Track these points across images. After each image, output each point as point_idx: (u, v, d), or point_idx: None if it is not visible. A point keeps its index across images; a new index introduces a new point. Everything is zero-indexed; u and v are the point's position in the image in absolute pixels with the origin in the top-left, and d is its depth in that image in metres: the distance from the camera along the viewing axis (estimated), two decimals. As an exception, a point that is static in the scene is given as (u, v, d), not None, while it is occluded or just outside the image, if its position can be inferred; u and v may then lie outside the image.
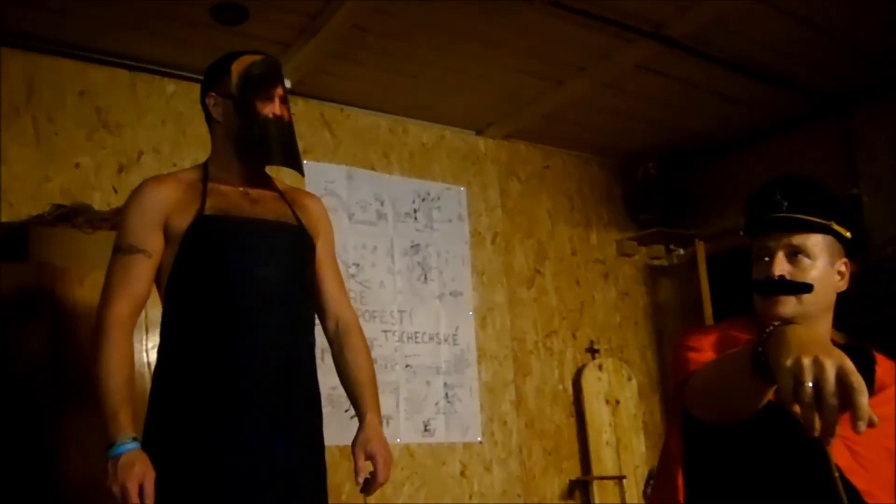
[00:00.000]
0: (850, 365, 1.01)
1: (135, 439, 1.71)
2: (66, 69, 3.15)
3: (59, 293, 2.44)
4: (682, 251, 4.59)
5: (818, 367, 1.01)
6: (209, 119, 2.00)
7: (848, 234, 1.52)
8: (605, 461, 4.10)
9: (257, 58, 1.96)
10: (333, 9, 2.95)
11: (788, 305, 1.50)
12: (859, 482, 1.33)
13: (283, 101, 1.96)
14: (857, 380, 0.99)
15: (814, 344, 1.06)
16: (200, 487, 1.74)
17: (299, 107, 3.62)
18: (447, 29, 3.18)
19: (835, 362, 1.01)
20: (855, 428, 0.97)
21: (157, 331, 1.90)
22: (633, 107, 3.98)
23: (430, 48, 3.32)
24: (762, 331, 1.17)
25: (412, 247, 3.85)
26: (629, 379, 4.36)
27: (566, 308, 4.32)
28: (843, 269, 1.53)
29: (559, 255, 4.37)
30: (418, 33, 3.20)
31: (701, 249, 4.32)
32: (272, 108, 1.92)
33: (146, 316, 2.35)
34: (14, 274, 2.43)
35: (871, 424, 0.98)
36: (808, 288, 1.49)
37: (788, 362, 1.04)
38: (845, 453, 1.32)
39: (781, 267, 1.50)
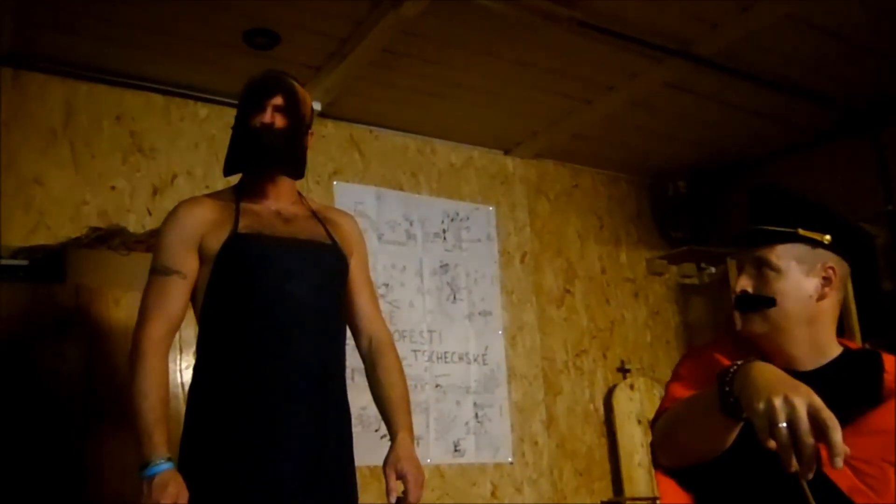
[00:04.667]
0: (818, 402, 1.04)
1: (169, 459, 1.72)
2: (102, 94, 3.22)
3: (95, 314, 2.48)
4: (713, 269, 4.55)
5: (790, 406, 1.04)
6: None
7: (826, 238, 1.43)
8: (637, 482, 4.06)
9: (257, 75, 2.01)
10: (363, 33, 2.99)
11: (755, 322, 1.44)
12: (863, 501, 1.28)
13: (279, 109, 1.95)
14: (829, 416, 1.02)
15: (781, 383, 1.08)
16: None
17: (329, 129, 3.67)
18: (475, 50, 3.20)
19: (804, 400, 1.04)
20: (832, 464, 1.00)
21: (191, 351, 1.93)
22: (661, 125, 3.97)
23: (458, 69, 3.35)
24: (744, 350, 1.17)
25: (441, 266, 3.86)
26: (661, 398, 4.31)
27: (596, 327, 4.29)
28: (827, 273, 1.43)
29: (589, 274, 4.35)
30: (446, 55, 3.23)
31: (732, 268, 4.28)
32: (261, 118, 1.93)
33: (180, 336, 2.38)
34: (52, 295, 2.48)
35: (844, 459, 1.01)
36: (769, 302, 1.42)
37: (760, 405, 1.06)
38: (848, 473, 1.27)
39: (743, 283, 1.46)
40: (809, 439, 1.02)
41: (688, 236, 4.44)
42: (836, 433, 1.01)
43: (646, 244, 4.59)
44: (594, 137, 4.09)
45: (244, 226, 1.90)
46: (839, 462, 1.00)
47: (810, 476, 1.03)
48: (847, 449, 1.01)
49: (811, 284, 1.43)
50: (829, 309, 1.45)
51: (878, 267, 3.77)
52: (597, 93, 3.61)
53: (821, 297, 1.43)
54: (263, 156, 1.93)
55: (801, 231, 1.43)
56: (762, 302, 1.43)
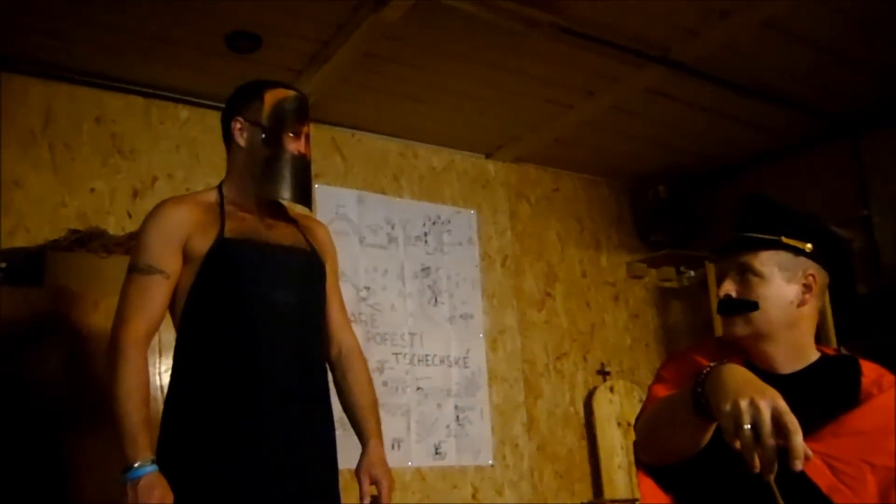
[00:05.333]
0: (783, 405, 1.08)
1: (154, 462, 1.70)
2: (82, 96, 3.21)
3: (75, 317, 2.47)
4: (692, 273, 4.59)
5: (755, 408, 1.08)
6: (229, 141, 2.01)
7: (808, 247, 1.48)
8: (617, 484, 4.08)
9: (291, 93, 2.00)
10: (345, 36, 2.99)
11: (738, 325, 1.49)
12: (841, 500, 1.32)
13: (307, 138, 2.01)
14: (791, 419, 1.07)
15: (749, 386, 1.13)
16: None
17: (311, 132, 3.66)
18: (456, 55, 3.22)
19: (769, 404, 1.08)
20: (792, 466, 1.04)
21: (171, 354, 1.91)
22: (642, 130, 4.00)
23: (439, 74, 3.36)
24: (726, 353, 1.19)
25: (423, 270, 3.87)
26: (641, 401, 4.34)
27: (577, 330, 4.32)
28: (808, 281, 1.48)
29: (569, 278, 4.38)
30: (428, 59, 3.24)
31: (711, 271, 4.32)
32: (298, 146, 1.97)
33: (159, 339, 2.37)
34: (30, 298, 2.46)
35: (806, 459, 1.05)
36: (752, 306, 1.47)
37: (727, 406, 1.11)
38: (826, 472, 1.32)
39: (727, 287, 1.50)
40: (770, 441, 1.05)
41: (667, 240, 4.48)
42: (797, 437, 1.05)
43: (626, 248, 4.63)
44: (575, 142, 4.12)
45: (230, 229, 1.89)
46: (799, 465, 1.04)
47: (771, 477, 1.07)
48: (809, 453, 1.05)
49: (792, 291, 1.47)
50: (808, 315, 1.50)
51: (853, 271, 3.82)
52: (578, 98, 3.64)
53: (801, 304, 1.48)
54: (302, 190, 1.97)
55: (784, 239, 1.48)
56: (745, 306, 1.48)
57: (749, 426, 1.07)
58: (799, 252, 1.48)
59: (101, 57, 3.09)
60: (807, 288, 1.48)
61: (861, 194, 3.97)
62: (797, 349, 1.49)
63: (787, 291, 1.47)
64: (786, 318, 1.47)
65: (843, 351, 1.63)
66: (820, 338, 3.47)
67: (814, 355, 1.51)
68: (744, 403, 1.09)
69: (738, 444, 1.08)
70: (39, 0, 2.71)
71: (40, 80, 3.12)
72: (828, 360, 1.51)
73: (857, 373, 1.46)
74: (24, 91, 3.10)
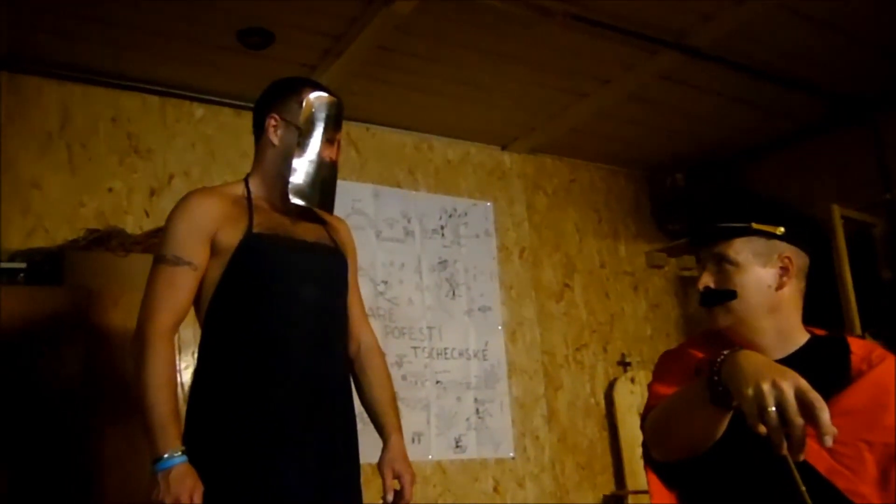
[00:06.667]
0: (805, 384, 1.08)
1: (184, 453, 1.69)
2: (98, 96, 3.23)
3: (94, 316, 2.49)
4: (712, 261, 4.55)
5: (777, 390, 1.08)
6: (260, 136, 2.01)
7: (780, 230, 1.48)
8: (639, 476, 4.06)
9: (330, 98, 2.00)
10: (357, 30, 2.99)
11: (720, 316, 1.50)
12: (842, 482, 1.31)
13: (339, 145, 2.02)
14: (815, 396, 1.07)
15: (768, 368, 1.13)
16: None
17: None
18: (470, 46, 3.20)
19: (791, 383, 1.08)
20: (822, 443, 1.04)
21: (190, 351, 1.92)
22: (658, 117, 3.97)
23: (453, 65, 3.35)
24: (717, 344, 1.17)
25: (440, 263, 3.86)
26: (662, 391, 4.31)
27: (596, 321, 4.30)
28: (784, 263, 1.48)
29: (588, 269, 4.35)
30: (441, 51, 3.23)
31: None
32: (331, 153, 1.98)
33: (179, 336, 2.37)
34: (51, 297, 2.48)
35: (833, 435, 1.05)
36: (731, 295, 1.48)
37: (749, 391, 1.11)
38: (824, 455, 1.31)
39: (705, 279, 1.51)
40: (799, 420, 1.05)
41: (685, 229, 4.44)
42: (824, 413, 1.05)
43: (644, 237, 4.59)
44: (591, 131, 4.09)
45: (258, 224, 1.89)
46: (829, 441, 1.04)
47: (801, 457, 1.06)
48: (835, 429, 1.04)
49: (769, 275, 1.48)
50: (790, 298, 1.50)
51: (876, 256, 3.77)
52: (592, 86, 3.61)
53: (780, 287, 1.48)
54: (329, 198, 1.99)
55: (754, 225, 1.49)
56: (724, 296, 1.49)
57: (774, 408, 1.07)
58: (772, 236, 1.49)
59: (115, 57, 3.11)
60: (784, 270, 1.48)
61: (883, 178, 3.92)
62: (783, 333, 1.49)
63: (764, 276, 1.47)
64: (766, 304, 1.47)
65: (868, 337, 1.62)
66: (844, 324, 3.44)
67: (802, 338, 1.51)
68: (766, 386, 1.09)
69: (762, 429, 1.07)
70: (54, 2, 2.73)
71: (56, 81, 3.14)
72: (817, 342, 1.52)
73: (847, 351, 1.46)
74: (41, 93, 3.12)
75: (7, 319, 2.35)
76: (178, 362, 2.48)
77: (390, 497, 1.93)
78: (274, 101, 1.99)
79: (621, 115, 3.92)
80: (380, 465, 1.97)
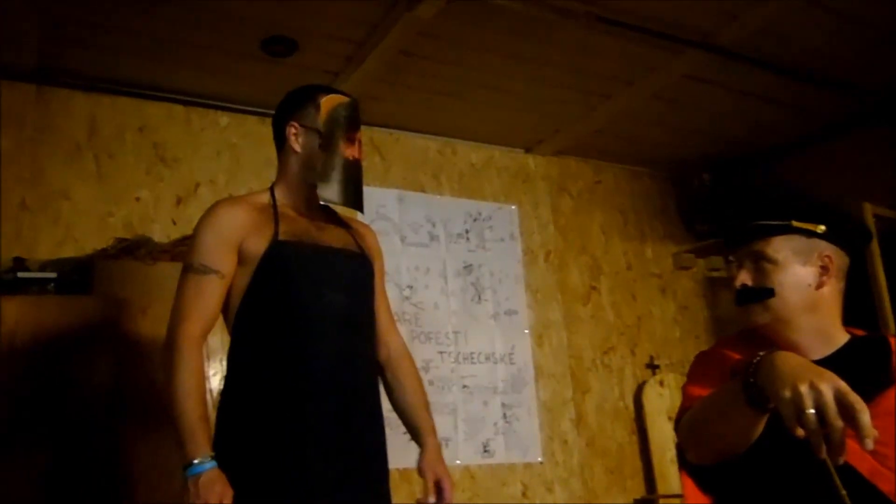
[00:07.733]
0: (844, 386, 1.05)
1: (213, 458, 1.71)
2: (125, 107, 3.26)
3: (124, 324, 2.51)
4: (741, 262, 4.50)
5: (816, 392, 1.05)
6: (281, 145, 2.04)
7: (820, 228, 1.46)
8: (670, 479, 4.02)
9: (346, 99, 2.03)
10: (379, 36, 2.99)
11: (757, 313, 1.48)
12: (885, 484, 1.28)
13: (360, 144, 2.04)
14: (855, 398, 1.04)
15: (805, 370, 1.10)
16: None
17: (349, 133, 3.68)
18: (492, 49, 3.20)
19: (830, 385, 1.05)
20: (863, 445, 1.01)
21: (218, 358, 1.93)
22: (683, 117, 3.93)
23: (476, 69, 3.34)
24: (752, 345, 1.16)
25: (465, 267, 3.85)
26: (691, 394, 4.27)
27: (623, 324, 4.26)
28: (824, 262, 1.46)
29: (614, 270, 4.32)
30: (464, 55, 3.23)
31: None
32: (353, 152, 2.00)
33: (206, 344, 2.39)
34: (80, 306, 2.50)
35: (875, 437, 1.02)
36: (769, 293, 1.46)
37: (787, 393, 1.08)
38: (867, 458, 1.28)
39: (742, 277, 1.50)
40: (838, 422, 1.03)
41: (714, 229, 4.40)
42: (865, 415, 1.02)
43: (672, 238, 4.55)
44: (615, 133, 4.07)
45: (284, 231, 1.90)
46: (870, 444, 1.01)
47: (841, 461, 1.04)
48: (875, 432, 1.02)
49: (809, 274, 1.46)
50: (829, 297, 1.48)
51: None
52: (616, 87, 3.59)
53: (819, 286, 1.46)
54: (356, 196, 2.01)
55: (794, 223, 1.47)
56: (762, 293, 1.47)
57: (812, 410, 1.04)
58: (812, 234, 1.47)
59: (141, 67, 3.14)
60: (824, 270, 1.46)
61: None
62: (822, 333, 1.47)
63: (803, 275, 1.46)
64: (805, 302, 1.45)
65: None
66: (878, 325, 3.38)
67: (842, 338, 1.48)
68: (804, 388, 1.06)
69: (799, 432, 1.05)
70: (79, 14, 2.76)
71: (83, 92, 3.18)
72: (857, 342, 1.49)
73: (888, 352, 1.43)
74: (69, 104, 3.16)
75: (37, 329, 2.38)
76: (206, 369, 2.50)
77: (433, 499, 1.95)
78: (291, 111, 2.02)
79: (646, 116, 3.89)
80: (420, 468, 1.99)
